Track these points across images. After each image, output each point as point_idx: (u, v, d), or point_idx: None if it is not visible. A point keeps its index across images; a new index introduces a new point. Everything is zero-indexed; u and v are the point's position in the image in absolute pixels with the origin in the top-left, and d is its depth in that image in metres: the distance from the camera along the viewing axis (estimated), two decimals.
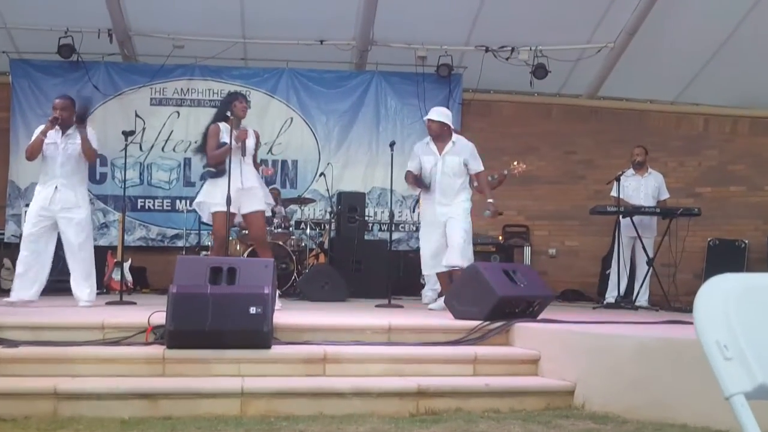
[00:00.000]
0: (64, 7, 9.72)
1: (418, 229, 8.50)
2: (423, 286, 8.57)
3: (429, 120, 7.22)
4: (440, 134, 7.16)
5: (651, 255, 8.49)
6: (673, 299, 8.43)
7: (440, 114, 7.21)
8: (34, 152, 6.74)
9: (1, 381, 4.30)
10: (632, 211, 8.44)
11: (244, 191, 6.70)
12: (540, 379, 4.82)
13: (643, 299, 8.54)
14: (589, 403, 4.45)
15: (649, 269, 8.50)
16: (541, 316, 5.63)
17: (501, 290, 5.41)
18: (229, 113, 6.75)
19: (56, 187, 6.70)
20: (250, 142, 6.88)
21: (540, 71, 10.36)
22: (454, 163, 7.13)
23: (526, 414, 4.32)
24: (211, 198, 6.79)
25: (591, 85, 11.23)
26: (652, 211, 8.60)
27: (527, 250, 10.96)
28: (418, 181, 7.18)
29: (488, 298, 5.39)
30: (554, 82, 10.91)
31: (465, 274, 5.99)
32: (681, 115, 11.28)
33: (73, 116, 6.87)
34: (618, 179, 8.61)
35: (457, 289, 5.90)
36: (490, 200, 7.20)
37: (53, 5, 9.66)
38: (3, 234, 10.30)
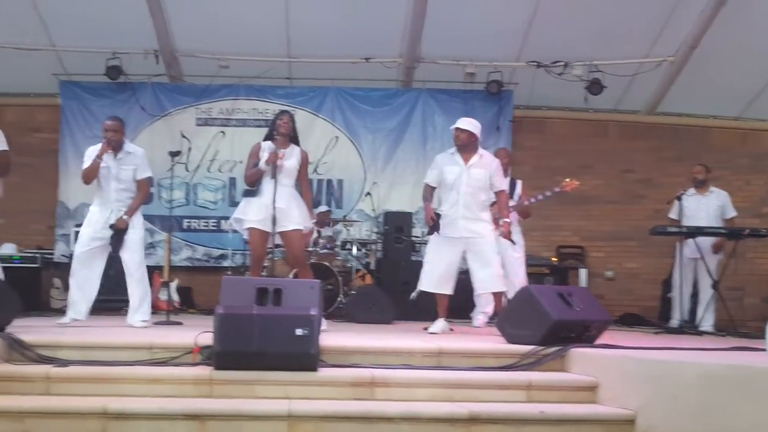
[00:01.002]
0: (112, 29, 9.81)
1: None
2: (473, 308, 8.41)
3: (457, 129, 6.94)
4: (467, 144, 6.91)
5: (715, 277, 8.25)
6: (740, 324, 8.18)
7: (469, 124, 6.97)
8: (91, 176, 6.78)
9: (52, 400, 4.34)
10: (695, 231, 8.18)
11: (276, 211, 6.64)
12: (598, 407, 4.64)
13: (707, 324, 8.29)
14: None
15: (713, 293, 8.25)
16: (598, 341, 5.44)
17: (556, 314, 5.24)
18: (275, 132, 6.84)
19: (111, 211, 6.78)
20: (288, 163, 6.81)
21: (595, 87, 10.16)
22: (480, 175, 6.88)
23: None
24: (243, 214, 6.82)
25: (649, 101, 11.01)
26: (716, 232, 8.34)
27: (583, 273, 10.70)
28: (435, 222, 6.83)
29: (543, 321, 5.23)
30: (610, 98, 10.72)
31: (518, 297, 5.82)
32: (746, 131, 10.99)
33: (123, 138, 6.93)
34: (679, 198, 8.36)
35: (510, 312, 5.74)
36: (507, 220, 6.94)
37: (101, 27, 9.75)
38: (53, 254, 10.38)
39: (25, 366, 4.67)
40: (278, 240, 6.88)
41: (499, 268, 6.87)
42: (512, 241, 7.12)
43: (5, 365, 4.66)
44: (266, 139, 6.95)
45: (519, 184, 8.26)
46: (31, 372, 4.57)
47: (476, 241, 6.76)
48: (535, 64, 10.32)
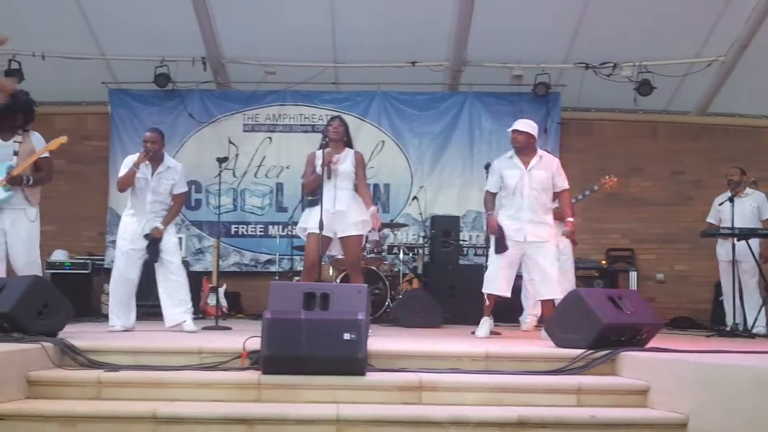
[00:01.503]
0: (160, 37, 9.94)
1: None
2: (521, 311, 8.34)
3: (515, 131, 6.82)
4: (526, 146, 6.79)
5: (756, 279, 8.18)
6: None
7: (527, 125, 6.85)
8: (127, 185, 6.89)
9: (103, 404, 4.38)
10: (747, 234, 8.01)
11: (335, 214, 6.65)
12: (650, 411, 4.55)
13: (760, 326, 8.11)
14: None
15: (759, 295, 8.12)
16: (649, 345, 5.34)
17: (606, 317, 5.16)
18: (327, 139, 6.83)
19: (147, 221, 6.88)
20: (342, 167, 6.78)
21: (644, 88, 10.04)
22: (541, 177, 6.75)
23: None
24: (305, 222, 6.84)
25: (700, 102, 10.85)
26: (765, 234, 8.16)
27: (633, 275, 10.59)
28: (501, 237, 6.70)
29: (592, 325, 5.15)
30: (660, 99, 10.59)
31: (567, 300, 5.74)
32: None
33: (162, 149, 7.00)
34: (731, 200, 8.19)
35: (559, 316, 5.66)
36: (570, 219, 6.82)
37: (150, 35, 9.88)
38: (103, 260, 10.53)
39: (77, 371, 4.73)
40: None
41: (559, 273, 6.74)
42: (575, 241, 7.03)
43: (58, 370, 4.73)
44: (321, 147, 6.89)
45: None
46: (82, 377, 4.63)
47: (539, 246, 6.64)
48: (584, 65, 10.22)
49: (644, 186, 10.77)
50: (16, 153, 6.41)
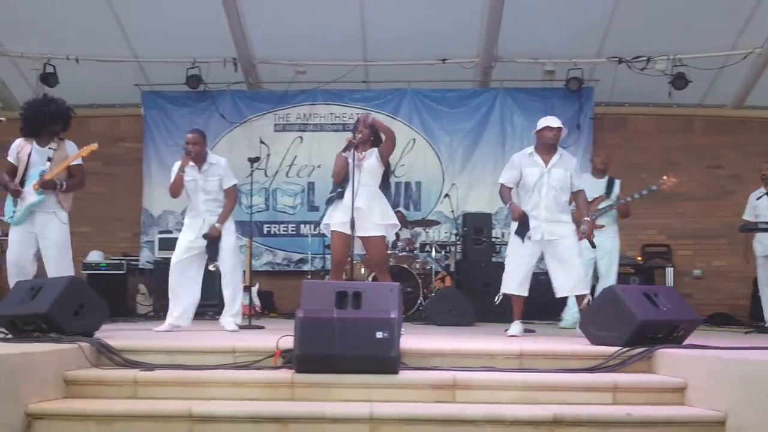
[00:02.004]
0: (192, 39, 10.01)
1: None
2: (553, 309, 8.28)
3: (549, 128, 6.65)
4: (556, 143, 6.71)
5: None
6: None
7: (558, 121, 6.73)
8: (177, 190, 6.96)
9: (139, 403, 4.43)
10: None
11: (356, 211, 6.54)
12: (687, 409, 4.49)
13: None
14: None
15: None
16: (686, 342, 5.27)
17: (642, 314, 5.09)
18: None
19: (204, 220, 6.96)
20: (367, 162, 6.70)
21: (679, 81, 9.94)
22: (560, 176, 6.62)
23: None
24: (329, 218, 6.83)
25: (736, 94, 10.72)
26: None
27: (669, 271, 10.48)
28: (525, 219, 6.62)
29: (628, 322, 5.09)
30: (695, 93, 10.48)
31: (602, 297, 5.68)
32: None
33: (204, 149, 7.06)
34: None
35: (594, 313, 5.61)
36: (587, 218, 6.70)
37: (181, 37, 9.96)
38: (138, 260, 10.62)
39: (113, 370, 4.77)
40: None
41: (581, 269, 6.65)
42: (593, 243, 6.94)
43: (94, 370, 4.77)
44: (344, 150, 6.78)
45: (617, 183, 8.06)
46: (119, 376, 4.67)
47: (557, 243, 6.56)
48: (617, 59, 10.14)
49: (680, 181, 10.60)
50: (49, 159, 6.50)
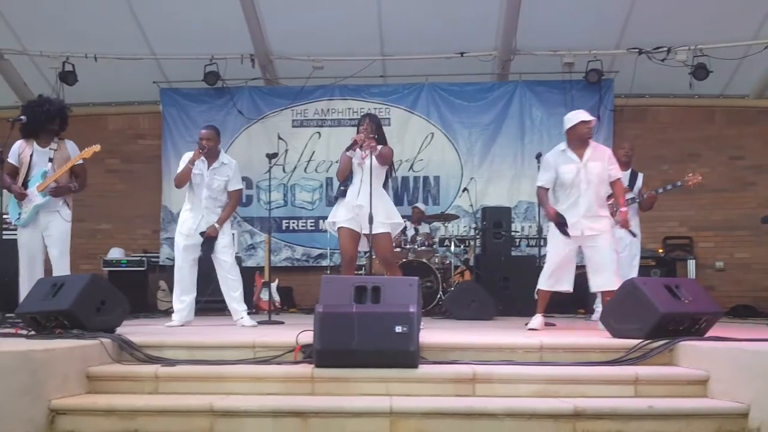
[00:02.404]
0: (209, 36, 10.05)
1: None
2: (576, 304, 8.24)
3: (583, 122, 6.57)
4: (590, 137, 6.64)
5: None
6: None
7: (588, 114, 6.68)
8: (183, 181, 7.00)
9: (161, 398, 4.47)
10: None
11: (361, 209, 6.63)
12: (709, 401, 4.47)
13: None
14: (765, 426, 4.10)
15: None
16: (709, 334, 5.24)
17: (663, 306, 5.06)
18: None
19: (202, 216, 6.97)
20: (368, 161, 6.68)
21: (700, 72, 9.85)
22: (597, 169, 6.54)
23: None
24: (333, 216, 6.90)
25: (758, 84, 10.63)
26: None
27: (691, 264, 10.43)
28: (562, 224, 6.53)
29: (649, 315, 5.06)
30: (716, 83, 10.39)
31: (622, 290, 5.63)
32: None
33: (218, 146, 7.08)
34: None
35: (614, 306, 5.57)
36: (624, 209, 6.65)
37: (198, 34, 9.99)
38: (158, 257, 10.67)
39: (135, 366, 4.81)
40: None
41: (616, 265, 6.57)
42: (633, 233, 6.91)
43: (116, 365, 4.81)
44: (348, 149, 6.90)
45: (640, 177, 7.99)
46: (140, 372, 4.71)
47: (596, 239, 6.48)
48: (636, 50, 10.06)
49: (702, 172, 10.50)
50: (51, 160, 6.57)
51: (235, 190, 7.15)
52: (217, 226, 6.94)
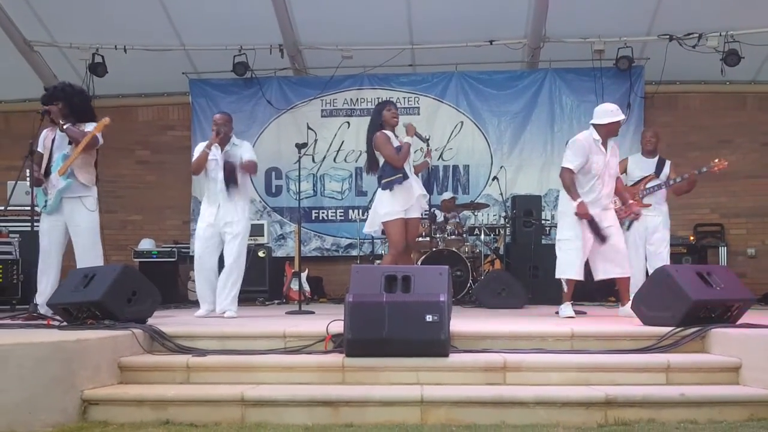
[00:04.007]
0: (238, 26, 10.06)
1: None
2: (605, 292, 8.19)
3: (618, 123, 6.63)
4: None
5: None
6: None
7: (621, 113, 6.74)
8: (200, 167, 7.00)
9: (192, 388, 4.51)
10: None
11: (419, 198, 6.85)
12: (742, 388, 4.45)
13: None
14: None
15: None
16: (740, 321, 5.18)
17: (695, 294, 5.02)
18: (384, 124, 6.94)
19: (219, 205, 6.94)
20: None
21: (732, 58, 9.72)
22: (615, 163, 6.76)
23: (727, 425, 4.02)
24: (391, 206, 6.81)
25: None
26: None
27: (722, 251, 10.33)
28: (597, 229, 6.53)
29: (681, 302, 5.02)
30: (748, 69, 10.26)
31: (654, 277, 5.61)
32: None
33: (231, 132, 7.11)
34: None
35: (646, 293, 5.53)
36: (632, 201, 6.92)
37: (227, 25, 10.02)
38: (188, 248, 10.72)
39: (166, 356, 4.86)
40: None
41: (625, 252, 6.71)
42: (622, 224, 6.95)
43: (147, 356, 4.86)
44: (373, 130, 6.95)
45: (668, 164, 7.92)
46: (171, 362, 4.76)
47: (609, 228, 6.59)
48: (667, 37, 9.95)
49: (733, 159, 10.42)
50: (70, 143, 6.44)
51: (249, 159, 7.03)
52: (245, 158, 6.96)
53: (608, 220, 6.62)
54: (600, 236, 6.50)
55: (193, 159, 7.09)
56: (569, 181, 6.63)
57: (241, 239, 6.94)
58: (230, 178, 6.90)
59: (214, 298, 6.91)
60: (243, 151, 7.06)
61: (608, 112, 6.67)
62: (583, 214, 6.52)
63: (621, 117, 6.65)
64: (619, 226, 6.72)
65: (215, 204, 6.95)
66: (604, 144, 6.65)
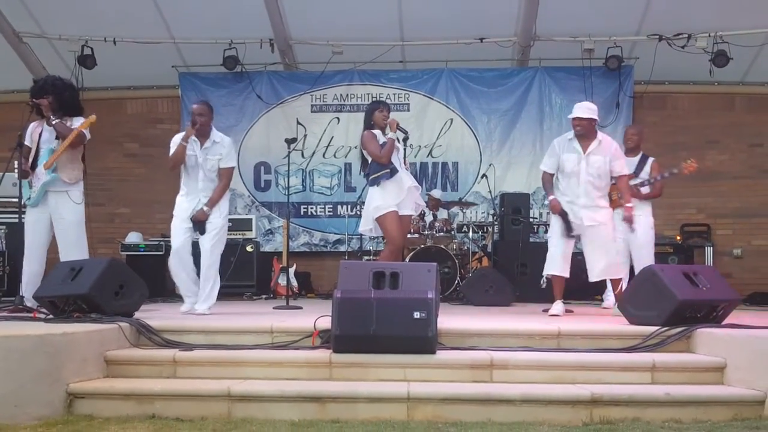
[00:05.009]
0: (228, 20, 10.01)
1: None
2: (593, 291, 8.21)
3: (577, 119, 6.64)
4: (589, 131, 6.65)
5: None
6: None
7: (588, 110, 6.68)
8: (178, 161, 6.66)
9: (179, 383, 4.52)
10: None
11: (408, 191, 6.81)
12: (726, 388, 4.49)
13: None
14: None
15: None
16: (726, 321, 5.22)
17: (681, 293, 5.05)
18: (374, 124, 6.94)
19: (199, 200, 6.64)
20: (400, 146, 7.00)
21: (720, 59, 9.74)
22: (599, 162, 6.62)
23: (711, 425, 4.05)
24: (383, 200, 6.79)
25: None
26: None
27: (709, 251, 10.37)
28: (566, 219, 6.61)
29: (667, 302, 5.06)
30: (737, 70, 10.28)
31: (640, 277, 5.63)
32: None
33: (210, 123, 6.76)
34: None
35: (632, 293, 5.57)
36: (629, 205, 6.70)
37: (218, 18, 9.97)
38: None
39: (153, 350, 4.87)
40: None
41: (616, 255, 6.73)
42: (632, 228, 6.89)
43: (134, 350, 4.86)
44: (365, 128, 6.96)
45: (650, 161, 7.93)
46: (158, 356, 4.76)
47: (595, 229, 6.60)
48: (657, 37, 9.96)
49: (720, 159, 10.51)
50: (57, 137, 6.39)
51: (228, 168, 6.74)
52: (205, 209, 6.54)
53: (595, 220, 6.58)
54: (566, 230, 6.59)
55: (171, 152, 6.70)
56: (544, 181, 6.89)
57: (215, 234, 6.59)
58: (201, 230, 6.58)
59: (197, 290, 6.62)
60: (224, 155, 6.70)
61: (575, 108, 6.75)
62: (552, 208, 6.71)
63: (579, 113, 6.64)
64: (610, 227, 6.65)
65: (194, 200, 6.64)
66: (585, 143, 6.64)
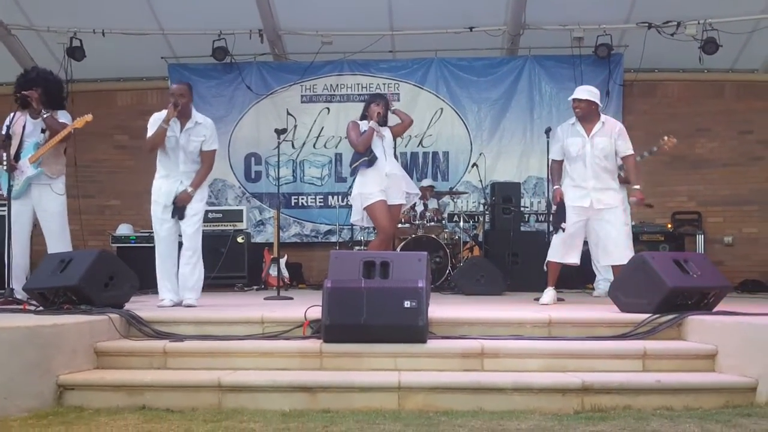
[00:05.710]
0: (217, 11, 9.95)
1: None
2: (583, 279, 8.23)
3: (575, 100, 6.63)
4: (588, 114, 6.61)
5: None
6: None
7: (587, 92, 6.65)
8: (157, 143, 6.31)
9: (169, 374, 4.51)
10: None
11: (391, 178, 6.85)
12: (717, 375, 4.49)
13: None
14: None
15: None
16: (717, 309, 5.22)
17: (672, 281, 5.05)
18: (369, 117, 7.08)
19: (181, 182, 6.33)
20: (386, 140, 7.11)
21: (710, 46, 9.74)
22: (604, 144, 6.56)
23: (702, 412, 4.04)
24: (364, 187, 6.87)
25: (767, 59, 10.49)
26: None
27: (700, 239, 10.37)
28: (560, 212, 6.58)
29: (658, 289, 5.06)
30: (726, 57, 10.29)
31: (631, 264, 5.63)
32: None
33: (191, 104, 6.43)
34: None
35: (623, 280, 5.56)
36: (637, 187, 6.59)
37: (207, 9, 9.91)
38: None
39: (143, 341, 4.85)
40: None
41: (627, 238, 6.58)
42: (648, 205, 6.88)
43: (124, 341, 4.85)
44: (361, 119, 7.09)
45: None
46: (148, 347, 4.74)
47: (606, 213, 6.52)
48: (646, 25, 9.95)
49: (710, 147, 10.52)
50: (44, 131, 6.38)
51: (210, 151, 6.41)
52: (189, 190, 6.24)
53: (605, 203, 6.50)
54: (556, 221, 6.60)
55: (148, 134, 6.32)
56: (552, 170, 6.86)
57: (196, 221, 6.32)
58: (180, 213, 6.27)
59: (177, 287, 6.32)
60: (207, 137, 6.38)
61: (575, 90, 6.74)
62: (553, 198, 6.70)
63: (577, 95, 6.62)
64: (620, 210, 6.54)
65: (175, 182, 6.32)
66: (588, 125, 6.61)
